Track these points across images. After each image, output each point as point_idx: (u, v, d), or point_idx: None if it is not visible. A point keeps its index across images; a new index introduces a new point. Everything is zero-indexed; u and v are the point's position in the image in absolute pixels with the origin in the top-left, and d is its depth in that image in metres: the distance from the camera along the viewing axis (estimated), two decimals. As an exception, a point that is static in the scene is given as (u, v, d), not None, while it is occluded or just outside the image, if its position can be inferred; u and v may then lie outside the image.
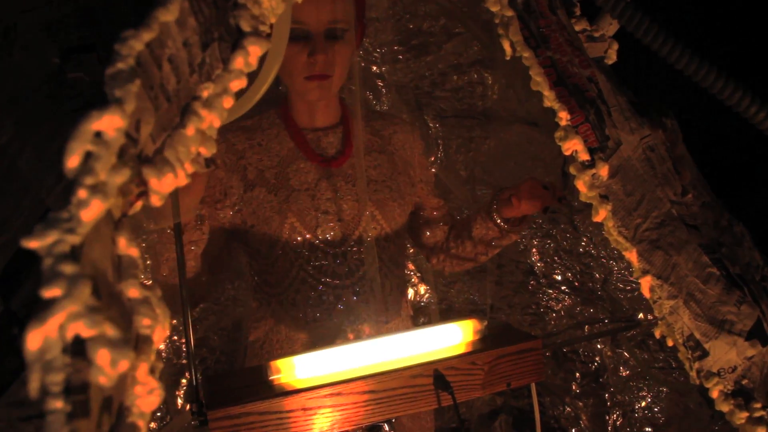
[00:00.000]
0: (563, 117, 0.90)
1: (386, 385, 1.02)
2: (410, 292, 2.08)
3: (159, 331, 0.49)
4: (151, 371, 0.47)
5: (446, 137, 1.95)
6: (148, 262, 1.74)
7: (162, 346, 1.88)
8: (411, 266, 2.08)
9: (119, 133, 0.39)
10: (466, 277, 2.01)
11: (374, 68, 1.88)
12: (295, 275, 1.28)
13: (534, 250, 1.98)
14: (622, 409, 1.88)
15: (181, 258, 0.96)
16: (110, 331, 0.38)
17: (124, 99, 0.40)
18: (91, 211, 0.37)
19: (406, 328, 1.42)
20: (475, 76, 1.89)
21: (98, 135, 0.39)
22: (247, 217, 1.28)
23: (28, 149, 0.67)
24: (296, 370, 1.01)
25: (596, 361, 1.92)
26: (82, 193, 0.37)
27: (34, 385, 0.35)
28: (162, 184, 0.50)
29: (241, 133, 1.32)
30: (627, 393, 1.87)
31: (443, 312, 2.08)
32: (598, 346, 1.88)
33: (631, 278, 1.86)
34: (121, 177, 0.39)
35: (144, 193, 0.51)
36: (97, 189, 0.38)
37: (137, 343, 0.47)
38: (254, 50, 0.57)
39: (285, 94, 1.37)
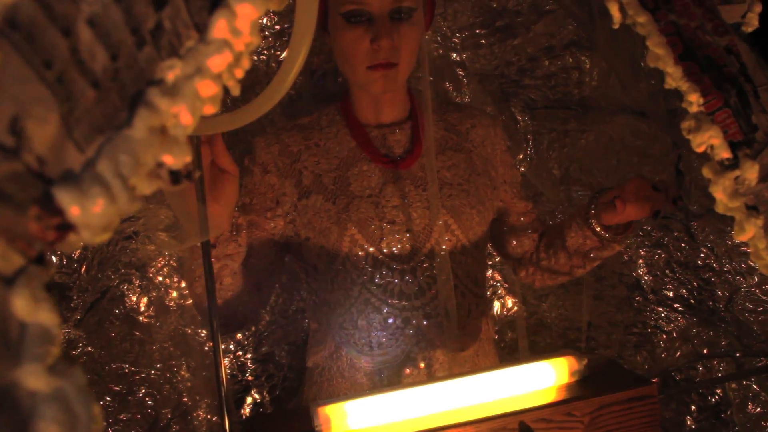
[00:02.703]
0: (694, 101, 0.67)
1: (459, 440, 0.83)
2: (496, 305, 1.87)
3: (78, 441, 0.32)
4: None
5: (537, 131, 1.71)
6: (182, 285, 1.64)
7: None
8: (497, 276, 1.87)
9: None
10: (560, 290, 1.77)
11: (454, 56, 1.67)
12: (357, 295, 1.11)
13: (641, 261, 1.70)
14: (752, 454, 1.58)
15: (211, 281, 0.81)
16: None
17: (-41, 79, 0.23)
18: None
19: (485, 355, 1.22)
20: (570, 60, 1.64)
21: None
22: (301, 228, 1.12)
23: None
24: (348, 418, 0.84)
25: (717, 394, 1.64)
26: None
27: None
28: (91, 213, 0.33)
29: (296, 133, 1.16)
30: (758, 435, 1.58)
31: (533, 327, 1.85)
32: (720, 375, 1.60)
33: (765, 297, 1.56)
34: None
35: (66, 227, 0.34)
36: None
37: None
38: (246, 11, 0.39)
39: (346, 86, 1.20)
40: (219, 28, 0.38)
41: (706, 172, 0.68)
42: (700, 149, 0.68)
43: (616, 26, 0.75)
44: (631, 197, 1.06)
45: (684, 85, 0.68)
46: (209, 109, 0.41)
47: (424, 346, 1.12)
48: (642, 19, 0.70)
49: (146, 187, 0.37)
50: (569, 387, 0.91)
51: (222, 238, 0.96)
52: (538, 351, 1.84)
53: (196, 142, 0.80)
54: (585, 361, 0.93)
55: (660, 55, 0.69)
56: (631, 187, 1.07)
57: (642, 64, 1.52)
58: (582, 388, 0.90)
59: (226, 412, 0.84)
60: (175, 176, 0.38)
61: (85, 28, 0.31)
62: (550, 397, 0.88)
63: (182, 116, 0.38)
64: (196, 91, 0.38)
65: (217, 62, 0.39)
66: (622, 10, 0.72)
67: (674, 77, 0.68)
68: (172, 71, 0.37)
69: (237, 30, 0.40)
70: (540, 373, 0.92)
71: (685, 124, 0.69)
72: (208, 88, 0.39)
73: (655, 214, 1.06)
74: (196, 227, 0.78)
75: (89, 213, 0.34)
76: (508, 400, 0.89)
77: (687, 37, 0.70)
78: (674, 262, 1.67)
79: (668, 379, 1.66)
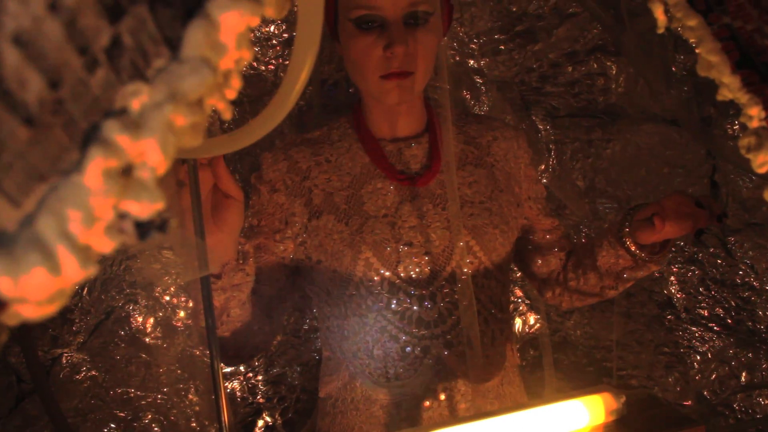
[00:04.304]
0: (755, 115, 0.59)
1: (486, 492, 0.75)
2: (518, 322, 1.78)
3: None
4: None
5: (559, 141, 1.63)
6: (190, 305, 1.56)
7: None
8: (518, 292, 1.78)
9: None
10: (586, 307, 1.68)
11: (471, 62, 1.59)
12: (372, 322, 1.04)
13: (673, 278, 1.61)
14: (799, 487, 1.48)
15: (211, 318, 0.74)
16: None
17: None
18: None
19: (510, 383, 1.14)
20: (595, 65, 1.55)
21: None
22: (311, 251, 1.04)
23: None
24: (364, 467, 0.76)
25: (758, 419, 1.54)
26: None
27: None
28: (27, 286, 0.26)
29: (305, 148, 1.09)
30: (806, 467, 1.47)
31: (557, 345, 1.76)
32: (761, 401, 1.49)
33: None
34: None
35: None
36: None
37: None
38: (230, 21, 0.32)
39: (358, 97, 1.12)
40: (195, 43, 0.31)
41: (770, 196, 0.60)
42: (762, 170, 0.60)
43: (660, 31, 0.66)
44: (671, 214, 0.97)
45: (743, 97, 0.59)
46: (188, 142, 0.34)
47: (444, 376, 1.04)
48: (692, 22, 0.61)
49: (104, 245, 0.29)
50: (607, 428, 0.83)
51: (228, 267, 0.89)
52: (562, 369, 1.75)
53: (193, 163, 0.73)
54: (623, 399, 0.84)
55: (714, 63, 0.61)
56: (671, 203, 0.98)
57: (673, 69, 1.43)
58: (621, 429, 0.82)
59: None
60: (143, 229, 0.31)
61: (9, 48, 0.24)
62: (585, 441, 0.80)
63: (151, 154, 0.30)
64: (168, 122, 0.31)
65: (195, 85, 0.31)
66: (668, 12, 0.64)
67: (731, 88, 0.60)
68: (137, 98, 0.30)
69: (220, 45, 0.32)
70: (573, 413, 0.83)
71: (744, 141, 0.60)
72: (183, 118, 0.32)
73: (698, 233, 0.97)
74: (195, 260, 0.71)
75: (25, 285, 0.26)
76: (539, 444, 0.80)
77: (743, 42, 0.62)
78: (709, 279, 1.57)
79: (701, 399, 1.56)
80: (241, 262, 0.91)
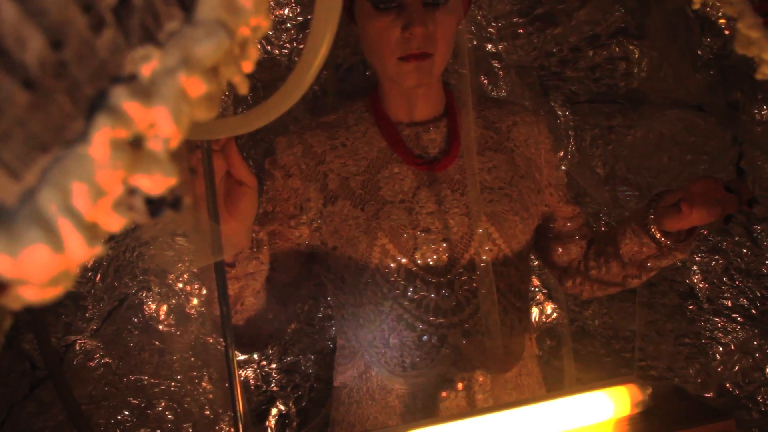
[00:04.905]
0: (798, 94, 0.56)
1: (507, 486, 0.73)
2: (535, 312, 1.76)
3: None
4: None
5: (579, 127, 1.59)
6: (204, 292, 1.55)
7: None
8: (536, 281, 1.75)
9: None
10: (605, 296, 1.65)
11: (489, 46, 1.56)
12: (388, 310, 1.02)
13: (695, 267, 1.57)
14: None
15: (226, 305, 0.72)
16: None
17: None
18: None
19: (529, 374, 1.12)
20: (617, 49, 1.51)
21: None
22: (327, 237, 1.02)
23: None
24: (381, 459, 0.74)
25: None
26: None
27: None
28: (28, 265, 0.24)
29: (320, 132, 1.07)
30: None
31: (574, 335, 1.73)
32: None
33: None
34: None
35: (-3, 283, 0.24)
36: None
37: None
38: (247, -17, 0.29)
39: (375, 80, 1.10)
40: (211, 4, 0.28)
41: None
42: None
43: (696, 6, 0.63)
44: (699, 200, 0.94)
45: (786, 76, 0.56)
46: (202, 113, 0.31)
47: (462, 366, 1.02)
48: (731, -5, 0.58)
49: (112, 222, 0.27)
50: (632, 421, 0.80)
51: (242, 256, 0.86)
52: (579, 360, 1.73)
53: (206, 146, 0.71)
54: (649, 391, 0.82)
55: (754, 39, 0.57)
56: (698, 188, 0.95)
57: (699, 52, 1.38)
58: (647, 422, 0.79)
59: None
60: (155, 205, 0.28)
61: (6, 3, 0.21)
62: (610, 433, 0.77)
63: (162, 124, 0.28)
64: (181, 90, 0.28)
65: (210, 50, 0.29)
66: (705, -14, 0.61)
67: (773, 66, 0.57)
68: (147, 63, 0.27)
69: (237, 7, 0.30)
70: (596, 405, 0.81)
71: (786, 122, 0.57)
72: (197, 86, 0.29)
73: (727, 219, 0.94)
74: (209, 246, 0.69)
75: (26, 264, 0.24)
76: (561, 437, 0.78)
77: (786, 17, 0.59)
78: (733, 269, 1.54)
79: (725, 395, 1.53)
80: (255, 250, 0.89)
